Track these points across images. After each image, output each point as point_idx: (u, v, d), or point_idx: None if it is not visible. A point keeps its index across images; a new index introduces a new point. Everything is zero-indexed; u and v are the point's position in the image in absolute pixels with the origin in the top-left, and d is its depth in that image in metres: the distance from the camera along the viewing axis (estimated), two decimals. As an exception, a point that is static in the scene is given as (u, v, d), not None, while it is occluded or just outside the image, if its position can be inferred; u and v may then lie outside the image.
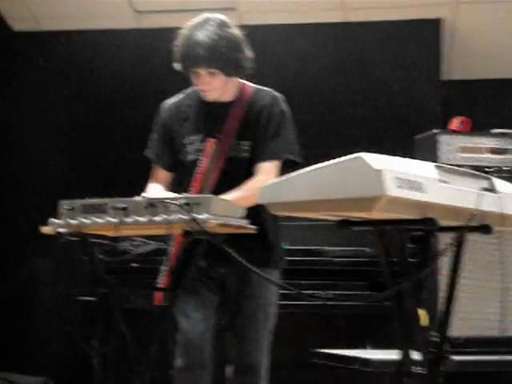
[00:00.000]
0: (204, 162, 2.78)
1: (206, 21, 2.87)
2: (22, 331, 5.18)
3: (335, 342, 3.86)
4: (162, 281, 2.81)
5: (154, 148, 3.07)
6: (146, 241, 4.27)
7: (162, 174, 3.05)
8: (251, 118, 2.95)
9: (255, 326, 2.96)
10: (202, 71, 2.85)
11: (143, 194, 2.68)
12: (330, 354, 3.71)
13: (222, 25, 2.87)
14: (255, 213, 2.62)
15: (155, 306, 2.75)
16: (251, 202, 2.66)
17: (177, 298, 2.55)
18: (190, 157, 2.95)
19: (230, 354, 2.99)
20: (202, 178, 2.77)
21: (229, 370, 3.00)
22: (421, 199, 2.04)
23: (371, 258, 4.18)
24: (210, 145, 2.77)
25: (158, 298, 2.77)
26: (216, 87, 2.89)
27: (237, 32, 2.91)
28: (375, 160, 1.96)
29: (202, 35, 2.81)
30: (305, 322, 4.16)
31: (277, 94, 3.01)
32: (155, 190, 2.94)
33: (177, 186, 2.97)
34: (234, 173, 2.89)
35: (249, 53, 2.93)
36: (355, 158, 1.98)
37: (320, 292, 4.02)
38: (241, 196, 2.74)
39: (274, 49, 5.28)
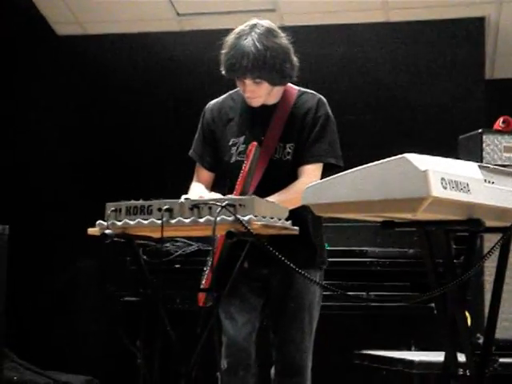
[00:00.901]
0: (246, 165, 2.78)
1: (252, 28, 2.85)
2: (67, 331, 5.25)
3: (379, 344, 3.84)
4: (204, 282, 2.82)
5: (196, 148, 3.10)
6: (188, 242, 4.30)
7: (205, 174, 3.07)
8: (296, 120, 2.95)
9: (300, 328, 2.95)
10: (248, 81, 2.86)
11: (184, 196, 2.70)
12: (373, 356, 3.69)
13: (269, 33, 2.85)
14: (297, 214, 2.62)
15: (199, 307, 2.77)
16: (295, 204, 2.67)
17: (221, 298, 2.56)
18: (234, 158, 2.97)
19: (274, 356, 3.00)
20: (243, 180, 2.77)
21: (274, 371, 3.01)
22: (466, 200, 2.02)
23: (413, 259, 4.16)
24: (252, 147, 2.77)
25: (201, 299, 2.79)
26: (261, 95, 2.90)
27: (284, 41, 2.88)
28: (420, 161, 1.95)
29: (248, 45, 2.79)
30: (348, 324, 4.15)
31: (321, 96, 3.01)
32: (198, 190, 2.96)
33: (221, 187, 2.98)
34: (277, 175, 2.89)
35: (296, 61, 2.91)
36: (400, 158, 1.97)
37: (363, 293, 4.01)
38: (285, 198, 2.74)
39: (315, 49, 5.27)
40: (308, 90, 3.03)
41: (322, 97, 3.01)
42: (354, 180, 2.05)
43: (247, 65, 2.78)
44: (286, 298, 2.95)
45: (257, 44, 2.79)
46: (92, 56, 5.67)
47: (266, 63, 2.80)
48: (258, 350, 2.99)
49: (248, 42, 2.80)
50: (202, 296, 2.79)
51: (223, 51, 2.87)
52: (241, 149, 2.95)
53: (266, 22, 2.90)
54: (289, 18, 5.25)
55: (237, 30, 2.88)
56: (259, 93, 2.89)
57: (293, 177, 2.91)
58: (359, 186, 2.04)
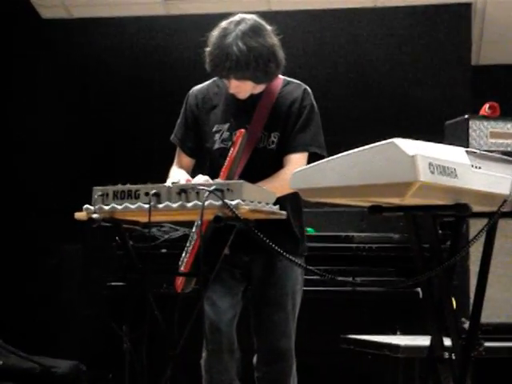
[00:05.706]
0: (233, 151, 2.76)
1: (236, 25, 2.80)
2: (53, 315, 5.24)
3: (365, 328, 3.86)
4: (183, 267, 2.80)
5: (178, 133, 3.09)
6: (174, 227, 4.29)
7: (185, 159, 3.07)
8: (281, 109, 2.94)
9: (283, 314, 2.96)
10: (232, 79, 2.84)
11: (171, 180, 2.68)
12: (359, 340, 3.71)
13: (254, 32, 2.80)
14: (277, 203, 2.59)
15: (178, 292, 2.75)
16: (281, 193, 2.67)
17: (208, 283, 2.55)
18: (217, 145, 2.96)
19: (257, 343, 2.99)
20: (229, 167, 2.76)
21: (256, 359, 3.00)
22: (454, 185, 2.03)
23: (399, 244, 4.18)
24: (240, 134, 2.75)
25: (179, 285, 2.78)
26: (246, 90, 2.89)
27: (269, 38, 2.84)
28: (408, 145, 1.95)
29: (231, 45, 2.75)
30: (334, 308, 4.16)
31: (306, 86, 3.00)
32: (180, 175, 2.95)
33: (201, 173, 2.95)
34: (261, 164, 2.89)
35: (282, 57, 2.88)
36: (388, 143, 1.97)
37: (349, 278, 4.02)
38: (271, 186, 2.69)
39: (301, 35, 5.26)
40: (293, 80, 3.02)
41: (307, 87, 3.00)
42: (343, 165, 2.06)
43: (230, 66, 2.76)
44: (269, 285, 2.95)
45: (240, 45, 2.75)
46: (77, 40, 5.63)
47: (250, 64, 2.77)
48: (241, 336, 2.99)
49: (231, 42, 2.76)
50: (179, 282, 2.77)
51: (207, 49, 2.83)
52: (224, 136, 2.94)
53: (251, 19, 2.85)
54: (276, 4, 5.23)
55: (222, 26, 2.83)
56: (244, 88, 2.88)
57: (276, 166, 2.91)
58: (347, 171, 2.04)
